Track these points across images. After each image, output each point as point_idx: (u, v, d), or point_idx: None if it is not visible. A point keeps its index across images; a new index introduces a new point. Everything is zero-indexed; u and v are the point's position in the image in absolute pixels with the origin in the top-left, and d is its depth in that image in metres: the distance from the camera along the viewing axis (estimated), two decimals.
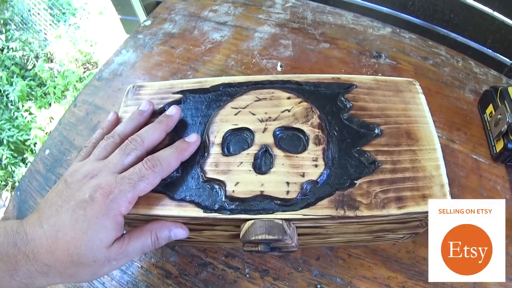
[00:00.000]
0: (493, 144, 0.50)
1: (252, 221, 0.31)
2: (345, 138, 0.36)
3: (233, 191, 0.33)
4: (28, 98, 1.29)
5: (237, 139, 0.36)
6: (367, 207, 0.32)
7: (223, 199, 0.33)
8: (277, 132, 0.36)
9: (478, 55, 0.65)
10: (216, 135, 0.36)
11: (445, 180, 0.33)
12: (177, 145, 0.35)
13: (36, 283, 0.28)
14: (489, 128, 0.51)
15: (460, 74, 0.57)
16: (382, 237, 0.39)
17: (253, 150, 0.35)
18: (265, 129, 0.36)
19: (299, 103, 0.38)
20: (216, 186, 0.33)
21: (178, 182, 0.34)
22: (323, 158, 0.34)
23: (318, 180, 0.33)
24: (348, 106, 0.38)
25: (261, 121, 0.36)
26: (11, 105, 1.26)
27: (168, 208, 0.33)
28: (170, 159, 0.33)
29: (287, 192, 0.32)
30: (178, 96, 0.40)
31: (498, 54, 0.64)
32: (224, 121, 0.37)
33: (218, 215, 0.32)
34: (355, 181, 0.33)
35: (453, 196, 0.47)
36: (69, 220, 0.29)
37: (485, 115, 0.52)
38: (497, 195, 0.47)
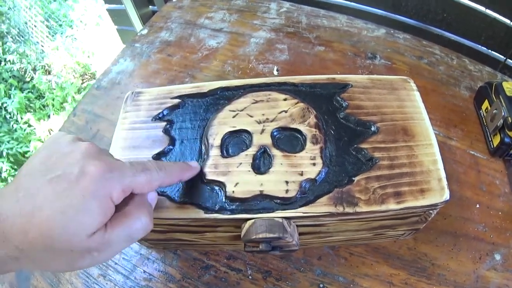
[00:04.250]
0: (490, 139, 0.51)
1: (253, 220, 0.32)
2: (342, 136, 0.37)
3: (233, 191, 0.33)
4: (26, 110, 1.30)
5: (236, 141, 0.37)
6: (366, 203, 0.32)
7: (224, 199, 0.33)
8: (275, 133, 0.37)
9: (473, 52, 0.67)
10: (215, 138, 0.37)
11: (443, 174, 0.34)
12: (180, 164, 0.34)
13: (5, 268, 0.25)
14: (485, 123, 0.52)
15: (455, 72, 0.59)
16: (382, 234, 0.40)
17: (252, 151, 0.36)
18: (262, 130, 0.37)
19: (296, 104, 0.39)
20: (216, 188, 0.34)
21: (179, 185, 0.35)
22: (320, 157, 0.35)
23: (317, 178, 0.34)
24: (344, 105, 0.39)
25: (259, 122, 0.37)
26: (10, 117, 1.27)
27: (169, 210, 0.34)
28: (174, 170, 0.32)
29: (286, 191, 0.33)
30: (177, 101, 0.41)
31: (492, 51, 0.66)
32: (223, 123, 0.38)
33: (218, 215, 0.33)
34: (353, 178, 0.34)
35: (452, 192, 0.48)
36: (49, 194, 0.24)
37: (481, 111, 0.53)
38: (496, 190, 0.47)
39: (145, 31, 0.68)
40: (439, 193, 0.33)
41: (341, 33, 0.62)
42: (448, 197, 0.33)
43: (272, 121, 0.37)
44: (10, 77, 1.32)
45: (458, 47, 0.66)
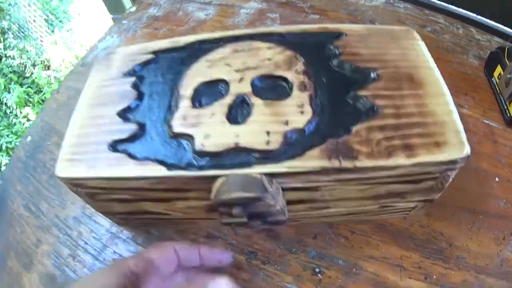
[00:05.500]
0: (506, 107, 0.42)
1: (225, 177, 0.24)
2: (336, 84, 0.29)
3: (203, 144, 0.26)
4: (26, 104, 1.25)
5: (210, 91, 0.29)
6: (368, 156, 0.24)
7: (191, 155, 0.26)
8: (256, 81, 0.29)
9: (478, 27, 0.58)
10: (187, 89, 0.29)
11: (460, 127, 0.26)
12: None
13: None
14: (499, 91, 0.43)
15: (461, 41, 0.51)
16: (390, 207, 0.31)
17: (228, 100, 0.28)
18: (241, 79, 0.29)
19: (282, 51, 0.31)
20: (184, 142, 0.27)
21: (141, 141, 0.28)
22: (310, 105, 0.27)
23: (305, 128, 0.26)
24: (337, 52, 0.31)
25: (238, 71, 0.30)
26: (10, 112, 1.23)
27: (128, 168, 0.26)
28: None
29: (267, 143, 0.25)
30: (150, 56, 0.34)
31: (500, 25, 0.57)
32: (197, 75, 0.31)
33: (185, 172, 0.25)
34: (351, 128, 0.26)
35: (467, 163, 0.39)
36: None
37: (493, 79, 0.45)
38: None
39: (133, 9, 0.62)
40: (458, 147, 0.25)
41: (337, 1, 0.55)
42: (469, 152, 0.25)
43: (253, 69, 0.30)
44: (10, 72, 1.28)
45: (464, 19, 0.58)
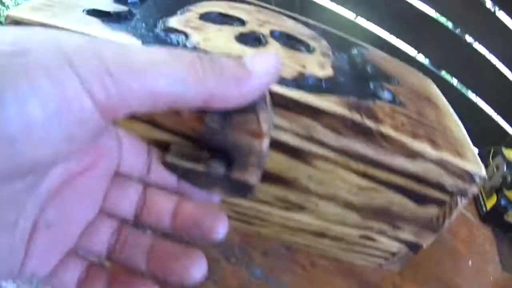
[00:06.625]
0: (483, 203, 0.42)
1: None
2: (358, 72, 0.26)
3: (198, 43, 0.20)
4: None
5: (224, 21, 0.25)
6: (393, 127, 0.20)
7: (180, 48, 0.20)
8: (276, 33, 0.26)
9: None
10: (199, 8, 0.25)
11: (476, 152, 0.24)
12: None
13: None
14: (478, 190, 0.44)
15: None
16: (370, 241, 0.26)
17: (241, 29, 0.24)
18: (261, 25, 0.26)
19: (307, 29, 0.29)
20: (174, 37, 0.21)
21: (124, 22, 0.22)
22: (332, 67, 0.23)
23: (323, 80, 0.22)
24: (361, 56, 0.29)
25: (258, 20, 0.27)
26: None
27: (94, 28, 0.20)
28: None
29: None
30: None
31: None
32: (214, 5, 0.27)
33: None
34: (374, 99, 0.22)
35: (446, 241, 0.36)
36: None
37: None
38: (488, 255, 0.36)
39: None
40: (477, 165, 0.22)
41: None
42: (485, 175, 0.22)
43: (275, 25, 0.27)
44: None
45: None
